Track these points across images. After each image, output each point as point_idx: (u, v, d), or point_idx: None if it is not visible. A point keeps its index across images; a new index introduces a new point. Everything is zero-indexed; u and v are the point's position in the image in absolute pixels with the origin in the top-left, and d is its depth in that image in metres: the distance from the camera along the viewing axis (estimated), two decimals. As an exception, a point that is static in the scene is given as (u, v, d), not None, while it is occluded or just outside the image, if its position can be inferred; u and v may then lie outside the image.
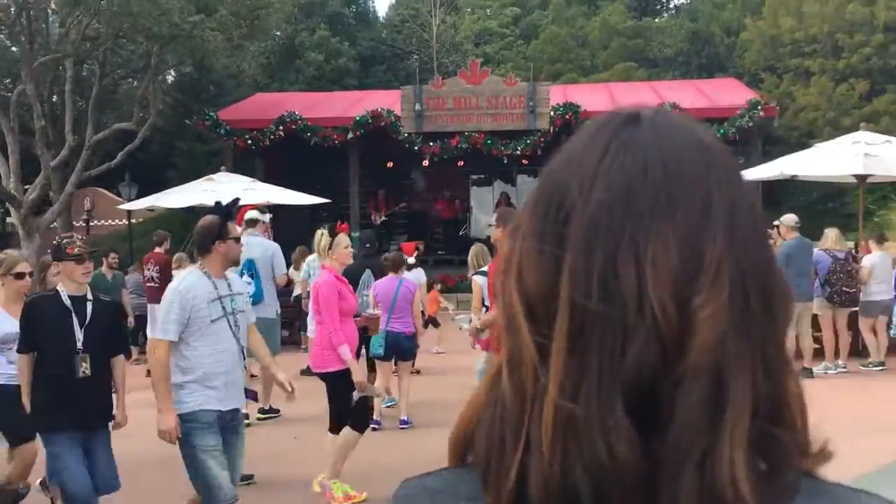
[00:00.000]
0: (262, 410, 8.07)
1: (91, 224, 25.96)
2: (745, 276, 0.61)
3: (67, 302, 4.53)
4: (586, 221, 0.62)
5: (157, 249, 10.88)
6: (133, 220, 22.82)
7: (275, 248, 8.28)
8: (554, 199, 0.65)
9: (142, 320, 11.21)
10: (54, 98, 21.08)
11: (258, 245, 8.08)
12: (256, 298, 7.79)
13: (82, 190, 25.14)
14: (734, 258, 0.61)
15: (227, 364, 4.42)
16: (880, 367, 9.67)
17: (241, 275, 7.85)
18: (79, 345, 4.51)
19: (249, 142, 18.95)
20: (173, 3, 15.55)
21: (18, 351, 4.73)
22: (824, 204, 19.54)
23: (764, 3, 24.54)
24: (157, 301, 10.75)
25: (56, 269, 4.71)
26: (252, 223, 8.29)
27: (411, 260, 9.46)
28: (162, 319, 4.32)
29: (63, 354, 4.50)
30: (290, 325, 11.96)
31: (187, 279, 4.42)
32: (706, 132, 0.70)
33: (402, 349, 7.56)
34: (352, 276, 7.71)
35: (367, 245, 8.10)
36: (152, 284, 10.69)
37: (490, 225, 22.60)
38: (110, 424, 4.82)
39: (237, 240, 4.62)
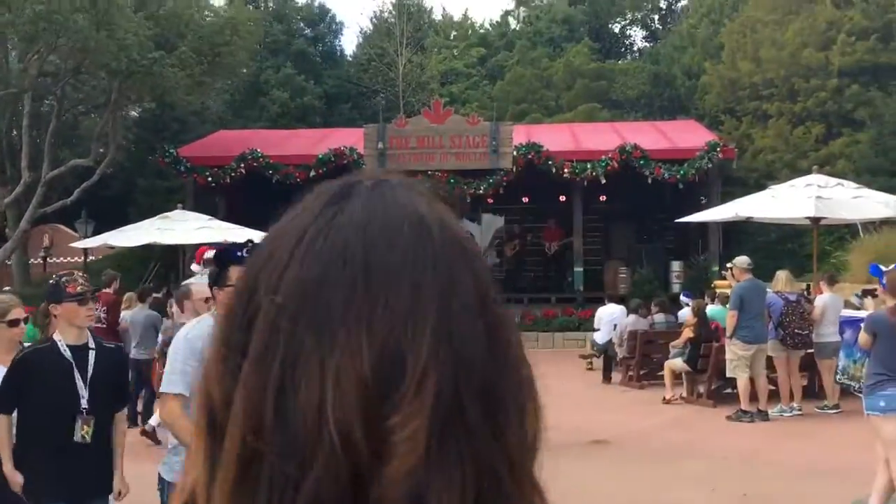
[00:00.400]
0: None
1: (48, 261, 25.50)
2: (461, 383, 0.50)
3: (67, 353, 3.81)
4: (266, 325, 0.51)
5: (106, 290, 10.60)
6: (91, 258, 22.45)
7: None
8: (244, 296, 0.54)
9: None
10: (14, 133, 20.81)
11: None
12: None
13: (41, 226, 24.74)
14: (446, 361, 0.50)
15: None
16: (836, 410, 9.68)
17: None
18: (83, 404, 3.80)
19: (210, 179, 18.79)
20: (131, 39, 15.45)
21: None
22: (783, 245, 19.76)
23: (723, 48, 25.06)
24: (105, 342, 10.55)
25: (54, 312, 3.96)
26: (210, 262, 8.18)
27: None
28: (168, 370, 3.78)
29: (62, 418, 3.77)
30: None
31: (198, 327, 3.87)
32: (433, 205, 0.58)
33: None
34: None
35: None
36: (100, 325, 10.39)
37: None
38: (111, 497, 4.15)
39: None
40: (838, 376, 8.12)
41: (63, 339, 3.85)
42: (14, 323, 4.53)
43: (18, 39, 16.31)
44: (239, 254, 3.58)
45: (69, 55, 16.55)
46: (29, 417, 3.84)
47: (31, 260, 24.68)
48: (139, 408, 10.03)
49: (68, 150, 23.17)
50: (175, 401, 3.62)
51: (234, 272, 3.49)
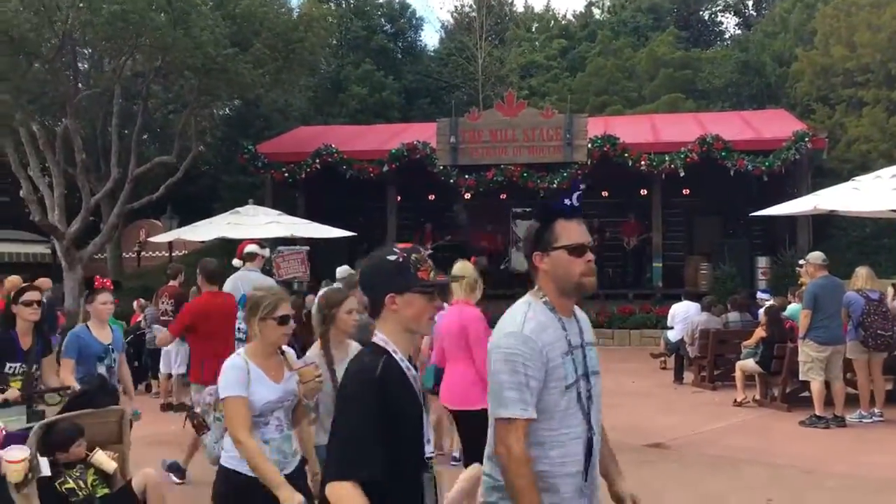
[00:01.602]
0: None
1: (142, 255, 26.55)
2: None
3: (411, 371, 2.49)
4: None
5: (172, 282, 10.87)
6: (176, 252, 23.22)
7: (270, 283, 8.13)
8: None
9: (156, 354, 11.22)
10: (108, 130, 21.66)
11: (254, 280, 7.74)
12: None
13: (138, 221, 25.78)
14: None
15: (578, 460, 2.59)
16: (922, 417, 9.00)
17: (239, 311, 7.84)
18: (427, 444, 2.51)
19: (286, 174, 19.09)
20: (207, 36, 15.80)
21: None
22: (878, 240, 18.64)
23: (816, 33, 23.80)
24: (173, 335, 10.78)
25: (393, 305, 2.47)
26: (251, 257, 8.10)
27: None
28: (506, 385, 2.49)
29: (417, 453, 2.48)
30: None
31: (529, 313, 2.59)
32: None
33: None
34: None
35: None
36: (166, 318, 10.64)
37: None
38: None
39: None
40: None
41: (398, 349, 2.46)
42: (284, 320, 3.68)
43: (96, 40, 16.91)
44: (568, 202, 2.67)
45: (151, 54, 17.08)
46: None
47: (125, 254, 25.72)
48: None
49: (154, 148, 24.00)
50: (520, 433, 2.47)
51: (565, 229, 2.61)
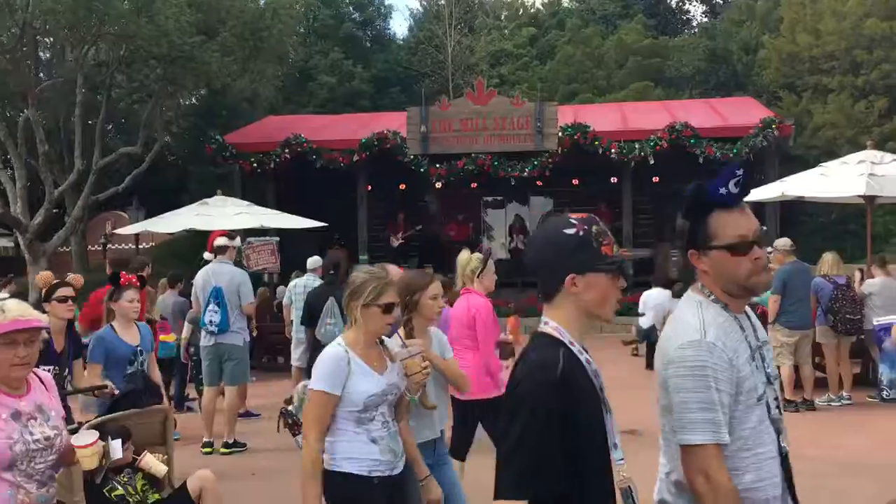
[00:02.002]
0: (226, 444, 7.82)
1: (108, 248, 26.13)
2: None
3: (592, 366, 2.14)
4: None
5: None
6: (145, 245, 22.87)
7: (243, 276, 8.08)
8: None
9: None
10: (72, 120, 21.27)
11: (226, 273, 7.92)
12: (222, 327, 7.70)
13: (105, 213, 25.35)
14: None
15: (776, 483, 2.26)
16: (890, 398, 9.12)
17: (208, 303, 7.74)
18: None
19: (255, 165, 18.86)
20: (171, 24, 15.53)
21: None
22: (845, 225, 18.91)
23: (782, 21, 24.03)
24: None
25: (573, 288, 2.12)
26: (222, 250, 8.04)
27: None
28: (694, 404, 2.14)
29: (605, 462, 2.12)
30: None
31: (704, 315, 2.23)
32: None
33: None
34: (313, 305, 7.51)
35: (332, 271, 7.79)
36: (133, 311, 10.47)
37: (504, 245, 22.52)
38: None
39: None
40: (885, 392, 7.62)
41: (573, 338, 2.12)
42: (389, 308, 3.38)
43: (57, 29, 16.55)
44: (723, 191, 2.21)
45: (115, 43, 16.75)
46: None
47: (90, 246, 25.30)
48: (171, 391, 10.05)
49: (119, 139, 23.60)
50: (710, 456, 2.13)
51: (723, 222, 2.23)
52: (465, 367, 5.33)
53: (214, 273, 7.87)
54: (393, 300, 3.39)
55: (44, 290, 5.17)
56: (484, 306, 5.54)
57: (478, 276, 5.66)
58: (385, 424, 3.37)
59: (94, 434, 3.65)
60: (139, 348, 5.26)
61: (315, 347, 7.23)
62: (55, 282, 5.33)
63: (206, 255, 8.20)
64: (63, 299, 4.97)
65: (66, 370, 4.97)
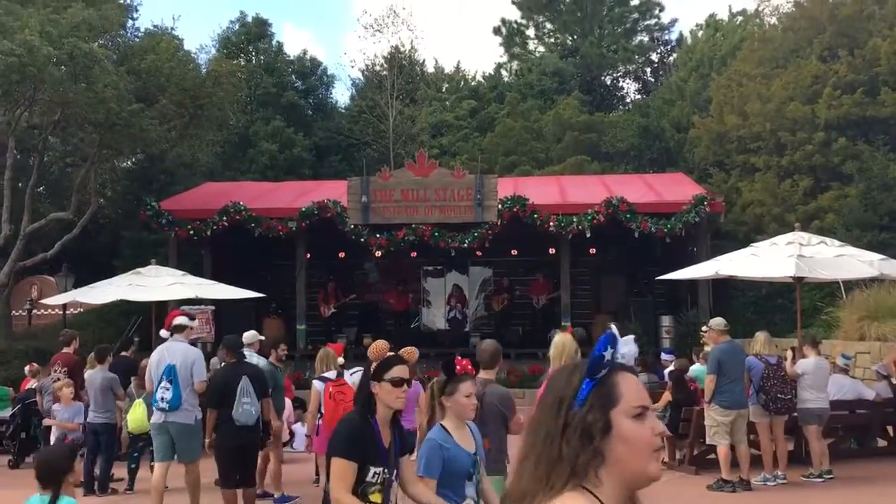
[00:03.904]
0: None
1: (33, 314, 25.15)
2: None
3: None
4: None
5: (66, 349, 10.29)
6: (71, 310, 22.10)
7: (196, 354, 8.20)
8: None
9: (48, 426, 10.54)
10: (1, 183, 20.66)
11: (180, 351, 8.02)
12: (173, 405, 7.76)
13: (30, 278, 24.46)
14: None
15: None
16: (823, 479, 9.26)
17: (160, 381, 7.84)
18: None
19: (192, 232, 18.55)
20: (111, 92, 15.34)
21: None
22: (774, 300, 19.43)
23: (711, 101, 25.07)
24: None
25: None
26: (179, 329, 8.17)
27: (340, 360, 9.09)
28: None
29: None
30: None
31: None
32: None
33: (410, 445, 7.79)
34: (222, 385, 7.52)
35: (240, 350, 7.98)
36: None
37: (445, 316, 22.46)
38: None
39: None
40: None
41: None
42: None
43: (-9, 93, 16.22)
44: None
45: (49, 107, 16.44)
46: None
47: (14, 311, 24.33)
48: (96, 471, 9.59)
49: (50, 204, 22.98)
50: None
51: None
52: None
53: (169, 351, 7.99)
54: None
55: (374, 364, 4.02)
56: None
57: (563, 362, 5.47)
58: None
59: None
60: (476, 456, 4.02)
61: (227, 428, 7.26)
62: (390, 355, 4.14)
63: (163, 333, 8.24)
64: (398, 382, 3.79)
65: (395, 472, 3.89)
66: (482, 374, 5.35)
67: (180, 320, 8.20)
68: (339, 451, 3.62)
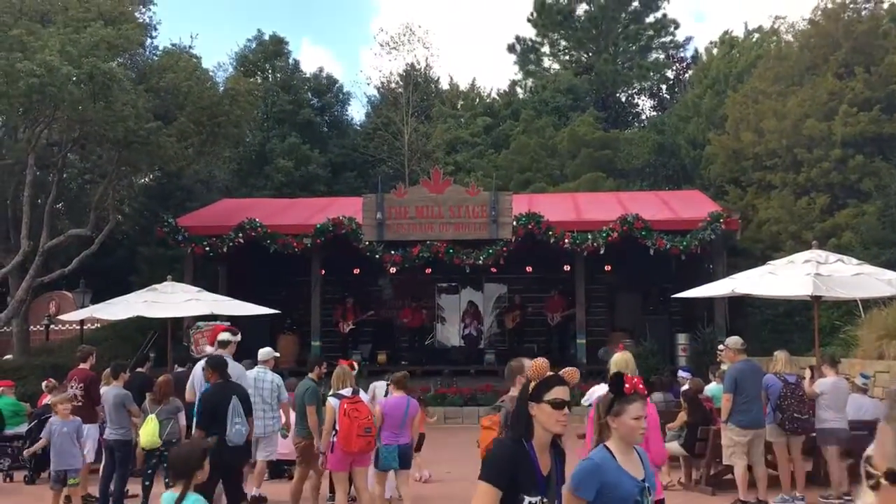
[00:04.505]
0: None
1: (51, 329, 25.33)
2: None
3: None
4: None
5: (82, 365, 10.34)
6: (89, 326, 22.24)
7: (240, 370, 8.56)
8: None
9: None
10: (21, 199, 20.89)
11: (230, 367, 8.23)
12: None
13: (49, 293, 24.67)
14: None
15: None
16: (842, 500, 9.13)
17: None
18: None
19: (208, 248, 18.67)
20: (129, 110, 15.51)
21: None
22: (791, 318, 19.23)
23: (727, 119, 25.00)
24: (82, 421, 10.22)
25: None
26: (223, 344, 8.56)
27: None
28: None
29: None
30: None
31: None
32: None
33: (407, 460, 8.29)
34: (213, 407, 7.58)
35: (225, 370, 8.09)
36: (75, 403, 10.09)
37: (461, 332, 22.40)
38: None
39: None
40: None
41: None
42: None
43: (13, 110, 16.42)
44: None
45: (68, 125, 16.63)
46: None
47: (33, 327, 24.52)
48: (111, 488, 9.60)
49: (68, 220, 23.20)
50: None
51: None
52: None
53: None
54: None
55: (532, 384, 3.58)
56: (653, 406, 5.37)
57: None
58: None
59: None
60: (645, 485, 3.58)
61: (218, 448, 7.21)
62: (551, 374, 3.60)
63: (209, 349, 8.90)
64: (559, 404, 3.45)
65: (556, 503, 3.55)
66: (512, 391, 5.44)
67: (224, 336, 8.57)
68: (485, 475, 3.35)
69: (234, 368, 8.34)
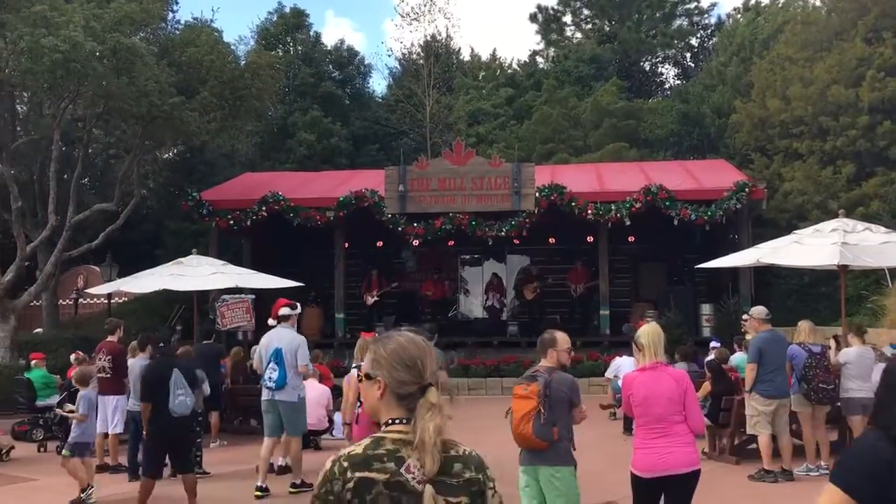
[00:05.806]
0: (293, 485, 8.77)
1: (79, 303, 25.74)
2: None
3: None
4: None
5: (110, 338, 10.50)
6: (116, 300, 22.57)
7: (301, 340, 9.08)
8: None
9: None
10: (47, 174, 21.14)
11: (287, 336, 8.93)
12: (279, 384, 8.70)
13: (77, 268, 25.03)
14: None
15: None
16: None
17: (269, 362, 8.74)
18: None
19: (231, 222, 18.79)
20: (152, 85, 15.58)
21: None
22: (817, 288, 19.09)
23: (752, 86, 24.62)
24: (110, 392, 10.41)
25: None
26: (285, 318, 9.07)
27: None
28: None
29: None
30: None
31: None
32: None
33: None
34: (153, 379, 7.91)
35: (162, 344, 8.78)
36: (103, 375, 10.28)
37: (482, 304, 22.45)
38: None
39: None
40: None
41: None
42: None
43: (35, 87, 16.55)
44: None
45: (93, 101, 16.74)
46: None
47: (62, 301, 24.92)
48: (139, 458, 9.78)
49: (94, 195, 23.44)
50: None
51: None
52: (681, 440, 5.13)
53: (278, 336, 8.87)
54: None
55: None
56: (686, 376, 5.32)
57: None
58: None
59: None
60: None
61: (163, 419, 7.70)
62: None
63: (271, 321, 9.18)
64: None
65: None
66: (543, 362, 5.37)
67: (285, 311, 9.01)
68: (838, 479, 2.30)
69: (290, 338, 8.82)
